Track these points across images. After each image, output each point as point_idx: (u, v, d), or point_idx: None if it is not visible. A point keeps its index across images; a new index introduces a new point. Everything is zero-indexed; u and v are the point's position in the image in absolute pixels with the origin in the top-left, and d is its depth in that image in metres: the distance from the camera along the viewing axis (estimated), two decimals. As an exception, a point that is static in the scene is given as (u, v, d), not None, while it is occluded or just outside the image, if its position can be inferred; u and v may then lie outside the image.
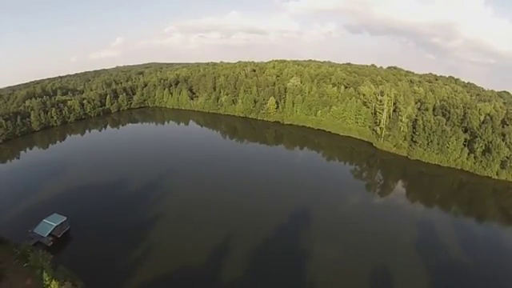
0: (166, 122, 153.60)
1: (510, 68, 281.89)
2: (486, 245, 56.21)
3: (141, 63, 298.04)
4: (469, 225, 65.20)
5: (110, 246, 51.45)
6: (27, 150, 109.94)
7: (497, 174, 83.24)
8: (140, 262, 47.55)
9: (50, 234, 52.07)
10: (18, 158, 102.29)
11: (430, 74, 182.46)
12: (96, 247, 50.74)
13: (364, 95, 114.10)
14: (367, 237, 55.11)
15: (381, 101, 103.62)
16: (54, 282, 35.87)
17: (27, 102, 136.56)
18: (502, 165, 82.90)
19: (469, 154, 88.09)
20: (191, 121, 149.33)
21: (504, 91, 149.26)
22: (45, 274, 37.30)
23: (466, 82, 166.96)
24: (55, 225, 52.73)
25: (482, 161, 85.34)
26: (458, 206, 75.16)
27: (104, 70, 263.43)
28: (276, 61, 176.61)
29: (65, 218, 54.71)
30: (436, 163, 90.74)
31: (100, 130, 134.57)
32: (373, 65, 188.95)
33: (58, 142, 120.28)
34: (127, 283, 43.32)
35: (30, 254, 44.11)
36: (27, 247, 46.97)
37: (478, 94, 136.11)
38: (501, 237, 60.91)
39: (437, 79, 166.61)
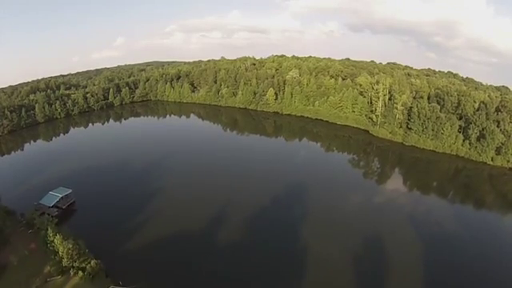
0: (167, 115, 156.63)
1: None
2: (487, 234, 54.00)
3: (142, 61, 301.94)
4: (467, 211, 64.85)
5: (112, 217, 53.86)
6: (32, 140, 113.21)
7: (492, 160, 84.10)
8: (140, 230, 49.75)
9: (55, 205, 54.31)
10: (23, 149, 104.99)
11: (429, 69, 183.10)
12: (99, 218, 53.32)
13: (360, 85, 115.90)
14: (364, 227, 52.43)
15: (376, 90, 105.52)
16: (57, 236, 37.99)
17: (31, 96, 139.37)
18: (497, 151, 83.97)
19: (464, 141, 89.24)
20: (193, 112, 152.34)
21: (503, 86, 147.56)
22: (49, 231, 39.44)
23: (465, 77, 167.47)
24: (60, 196, 55.05)
25: (476, 147, 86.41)
26: (454, 191, 75.23)
27: (106, 68, 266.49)
28: (276, 56, 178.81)
29: (70, 191, 57.04)
30: (431, 149, 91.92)
31: (103, 124, 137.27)
32: (372, 61, 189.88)
33: (61, 133, 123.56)
34: (128, 246, 45.56)
35: (36, 218, 46.34)
36: (33, 215, 49.30)
37: (476, 88, 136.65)
38: (498, 222, 60.23)
39: (435, 73, 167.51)
